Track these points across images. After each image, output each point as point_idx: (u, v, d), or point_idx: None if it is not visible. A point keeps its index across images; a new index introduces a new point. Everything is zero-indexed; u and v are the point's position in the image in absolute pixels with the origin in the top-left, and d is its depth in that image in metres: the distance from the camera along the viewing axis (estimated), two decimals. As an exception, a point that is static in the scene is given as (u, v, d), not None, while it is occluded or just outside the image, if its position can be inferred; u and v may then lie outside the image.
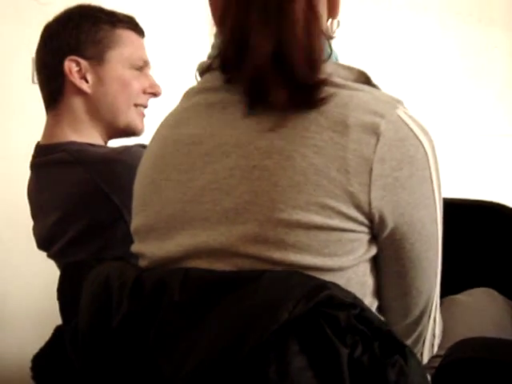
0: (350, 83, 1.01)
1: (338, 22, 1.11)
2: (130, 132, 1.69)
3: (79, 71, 1.61)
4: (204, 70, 1.08)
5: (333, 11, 1.10)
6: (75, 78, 1.61)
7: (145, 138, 1.65)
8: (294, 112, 0.97)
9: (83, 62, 1.60)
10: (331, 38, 1.10)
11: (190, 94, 1.10)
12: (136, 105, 1.67)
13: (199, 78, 1.10)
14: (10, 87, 2.37)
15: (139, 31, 1.69)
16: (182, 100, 1.11)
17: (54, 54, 1.62)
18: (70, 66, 1.60)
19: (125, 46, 1.64)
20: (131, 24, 1.67)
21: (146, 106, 1.70)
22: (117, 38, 1.63)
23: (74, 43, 1.60)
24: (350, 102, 0.97)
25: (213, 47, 1.08)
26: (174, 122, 1.09)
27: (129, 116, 1.66)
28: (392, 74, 2.94)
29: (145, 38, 1.72)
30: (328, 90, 0.99)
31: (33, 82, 2.29)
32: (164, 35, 2.67)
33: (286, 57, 0.97)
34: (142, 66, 1.67)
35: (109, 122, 1.65)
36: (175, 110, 1.11)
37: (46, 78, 1.66)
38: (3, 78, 2.36)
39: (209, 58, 1.09)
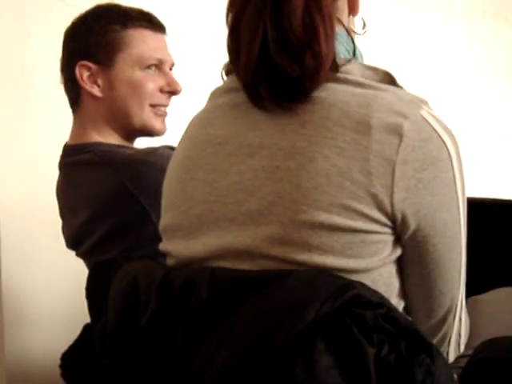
0: (373, 83, 1.01)
1: (363, 20, 1.10)
2: (146, 133, 1.67)
3: (91, 76, 1.61)
4: (230, 70, 1.08)
5: (352, 8, 1.09)
6: (86, 84, 1.61)
7: (169, 138, 1.67)
8: (315, 112, 0.97)
9: (94, 67, 1.60)
10: (351, 33, 1.09)
11: (216, 94, 1.10)
12: (153, 105, 1.64)
13: (225, 78, 1.10)
14: (38, 87, 2.39)
15: (156, 28, 1.66)
16: (208, 100, 1.12)
17: (68, 58, 1.63)
18: (81, 71, 1.61)
19: (135, 46, 1.61)
20: (146, 21, 1.64)
21: (165, 105, 1.68)
22: (127, 39, 1.61)
23: (85, 47, 1.60)
24: (373, 102, 0.96)
25: None
26: (201, 122, 1.09)
27: (143, 117, 1.63)
28: (418, 74, 2.93)
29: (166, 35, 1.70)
30: (347, 88, 0.99)
31: (60, 82, 2.31)
32: (187, 33, 2.67)
33: (272, 54, 0.97)
34: (156, 65, 1.64)
35: (124, 125, 1.64)
36: (203, 110, 1.12)
37: (65, 82, 1.67)
38: (31, 78, 2.38)
39: None
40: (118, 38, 1.60)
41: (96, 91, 1.62)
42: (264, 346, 0.87)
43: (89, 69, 1.61)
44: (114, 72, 1.61)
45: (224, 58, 1.09)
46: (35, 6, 2.36)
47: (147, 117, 1.64)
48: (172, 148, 1.53)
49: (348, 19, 1.10)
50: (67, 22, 1.74)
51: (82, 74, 1.61)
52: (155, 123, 1.66)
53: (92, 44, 1.60)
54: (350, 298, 0.88)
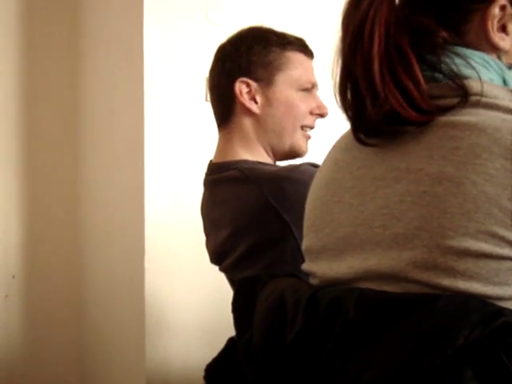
0: None
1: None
2: (293, 154, 1.73)
3: (249, 92, 1.67)
4: None
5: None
6: (245, 99, 1.67)
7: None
8: (464, 139, 0.96)
9: (253, 84, 1.66)
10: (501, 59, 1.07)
11: None
12: (302, 126, 1.71)
13: None
14: (183, 105, 2.47)
15: (308, 53, 1.74)
16: None
17: (226, 75, 1.69)
18: (241, 87, 1.66)
19: (293, 68, 1.69)
20: (301, 46, 1.72)
21: (312, 127, 1.74)
22: (286, 61, 1.68)
23: (246, 65, 1.67)
24: None
25: None
26: (346, 144, 1.11)
27: (294, 138, 1.70)
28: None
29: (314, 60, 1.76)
30: (497, 114, 0.97)
31: (206, 100, 2.37)
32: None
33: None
34: (309, 88, 1.71)
35: (274, 143, 1.70)
36: (347, 133, 1.12)
37: (218, 97, 1.73)
38: (177, 95, 2.46)
39: None
40: (278, 59, 1.68)
41: (254, 107, 1.68)
42: (411, 369, 0.87)
43: (248, 85, 1.67)
44: (273, 90, 1.68)
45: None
46: (181, 24, 2.45)
47: (297, 137, 1.70)
48: (314, 165, 1.57)
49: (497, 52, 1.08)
50: (213, 40, 1.79)
51: (241, 89, 1.67)
52: (302, 144, 1.72)
53: (253, 62, 1.67)
54: (499, 325, 0.87)
